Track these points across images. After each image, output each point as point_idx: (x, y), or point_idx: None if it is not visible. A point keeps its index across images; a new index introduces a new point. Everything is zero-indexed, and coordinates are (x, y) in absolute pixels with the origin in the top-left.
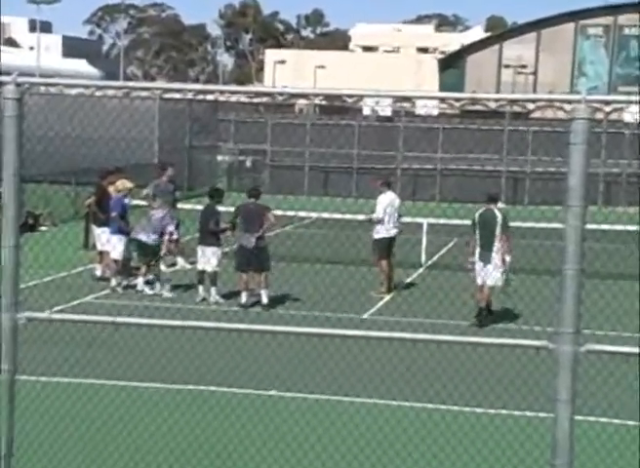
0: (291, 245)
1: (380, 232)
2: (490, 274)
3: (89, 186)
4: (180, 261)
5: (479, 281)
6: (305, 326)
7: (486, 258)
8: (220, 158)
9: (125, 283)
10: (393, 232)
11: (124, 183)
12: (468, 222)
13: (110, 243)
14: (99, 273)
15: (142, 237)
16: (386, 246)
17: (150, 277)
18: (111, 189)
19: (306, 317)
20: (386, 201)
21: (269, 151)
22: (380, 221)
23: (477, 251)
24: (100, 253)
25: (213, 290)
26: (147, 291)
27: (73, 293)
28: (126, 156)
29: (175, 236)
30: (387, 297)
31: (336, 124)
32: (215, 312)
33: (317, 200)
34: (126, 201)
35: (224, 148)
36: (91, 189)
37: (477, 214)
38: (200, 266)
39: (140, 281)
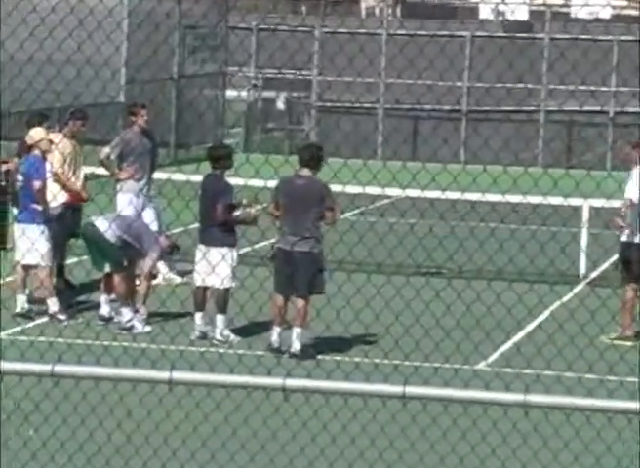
0: (354, 243)
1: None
2: None
3: (8, 142)
4: (163, 271)
5: None
6: (378, 380)
7: None
8: (232, 94)
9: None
10: None
11: (38, 133)
12: None
13: (29, 240)
14: (19, 301)
15: (101, 226)
16: None
17: (112, 297)
18: (30, 141)
19: (380, 367)
20: None
21: (316, 82)
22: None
23: None
24: (23, 266)
25: (220, 320)
26: (120, 319)
27: None
28: (72, 91)
29: (154, 227)
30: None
31: (432, 36)
32: (223, 357)
33: (399, 167)
34: (47, 166)
35: (239, 78)
36: (10, 146)
37: None
38: (200, 280)
39: (102, 299)
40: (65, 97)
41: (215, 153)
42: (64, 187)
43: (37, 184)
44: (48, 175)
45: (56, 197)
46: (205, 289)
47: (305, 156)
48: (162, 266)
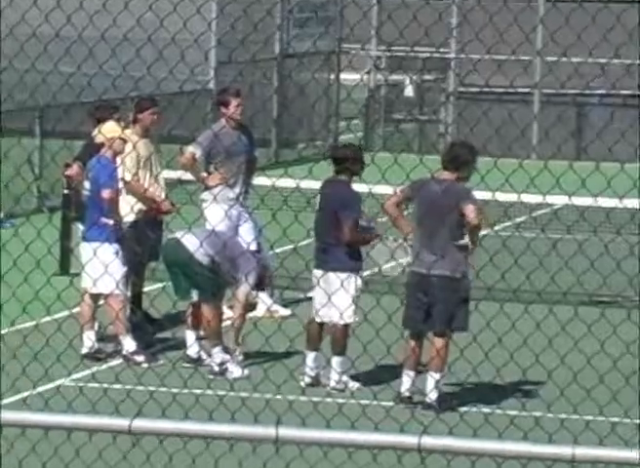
0: (507, 265)
1: None
2: None
3: (72, 140)
4: (266, 300)
5: None
6: (540, 439)
7: None
8: (349, 78)
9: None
10: None
11: (110, 128)
12: None
13: (99, 263)
14: (88, 340)
15: (189, 243)
16: None
17: (201, 333)
18: (100, 139)
19: (542, 422)
20: None
21: (456, 63)
22: None
23: None
24: (92, 295)
25: (337, 363)
26: (211, 361)
27: (47, 364)
28: (153, 76)
29: (252, 246)
30: None
31: (605, 2)
32: (342, 409)
33: (563, 168)
34: (119, 169)
35: (359, 58)
36: (74, 145)
37: None
38: (314, 313)
39: (189, 337)
40: (145, 84)
41: (340, 154)
42: (141, 198)
43: (108, 193)
44: (120, 183)
45: (133, 209)
46: (321, 324)
47: (449, 156)
48: (264, 295)
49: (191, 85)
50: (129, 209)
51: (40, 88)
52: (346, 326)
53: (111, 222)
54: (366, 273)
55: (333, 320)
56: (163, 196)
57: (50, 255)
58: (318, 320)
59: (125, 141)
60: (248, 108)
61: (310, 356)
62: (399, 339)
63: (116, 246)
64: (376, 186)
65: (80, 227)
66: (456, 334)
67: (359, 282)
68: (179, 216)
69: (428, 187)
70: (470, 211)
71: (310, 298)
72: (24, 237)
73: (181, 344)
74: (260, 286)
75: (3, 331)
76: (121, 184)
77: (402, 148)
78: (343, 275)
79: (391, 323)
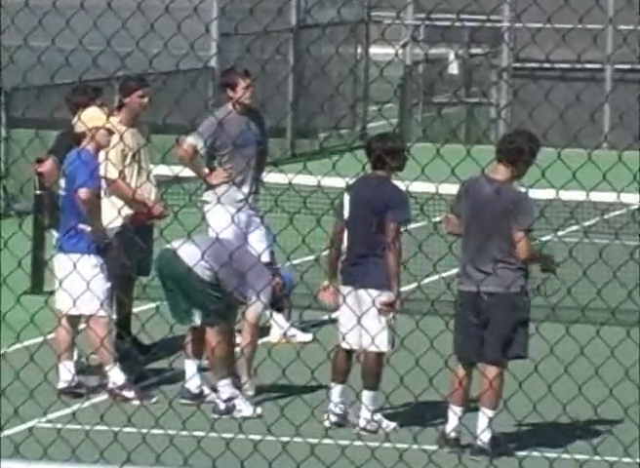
0: (574, 278)
1: None
2: None
3: (45, 130)
4: (281, 323)
5: None
6: None
7: None
8: (380, 52)
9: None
10: None
11: (93, 115)
12: None
13: (78, 278)
14: (67, 373)
15: (187, 255)
16: None
17: (201, 362)
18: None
19: None
20: None
21: (509, 35)
22: None
23: None
24: (70, 318)
25: (368, 398)
26: (216, 397)
27: (18, 402)
28: (144, 53)
29: (265, 258)
30: None
31: None
32: (374, 454)
33: (638, 159)
34: (100, 163)
35: (392, 29)
36: (47, 135)
37: None
38: (342, 339)
39: (188, 368)
40: (133, 61)
41: (379, 146)
42: (128, 200)
43: (85, 193)
44: (103, 182)
45: (120, 213)
46: (349, 352)
47: (504, 147)
48: (280, 317)
49: (190, 62)
50: (115, 213)
51: (7, 67)
52: (380, 354)
53: (89, 229)
54: (404, 289)
55: (363, 346)
56: (154, 197)
57: (20, 270)
58: (346, 347)
59: (111, 133)
60: (258, 90)
61: (336, 390)
62: (443, 369)
63: (99, 257)
64: (413, 184)
65: (55, 235)
66: (512, 363)
67: (397, 303)
68: (175, 222)
69: (478, 188)
70: (519, 238)
71: (336, 321)
72: None
73: (180, 376)
74: (274, 305)
75: None
76: (104, 184)
77: (445, 137)
78: (377, 293)
79: (433, 349)
